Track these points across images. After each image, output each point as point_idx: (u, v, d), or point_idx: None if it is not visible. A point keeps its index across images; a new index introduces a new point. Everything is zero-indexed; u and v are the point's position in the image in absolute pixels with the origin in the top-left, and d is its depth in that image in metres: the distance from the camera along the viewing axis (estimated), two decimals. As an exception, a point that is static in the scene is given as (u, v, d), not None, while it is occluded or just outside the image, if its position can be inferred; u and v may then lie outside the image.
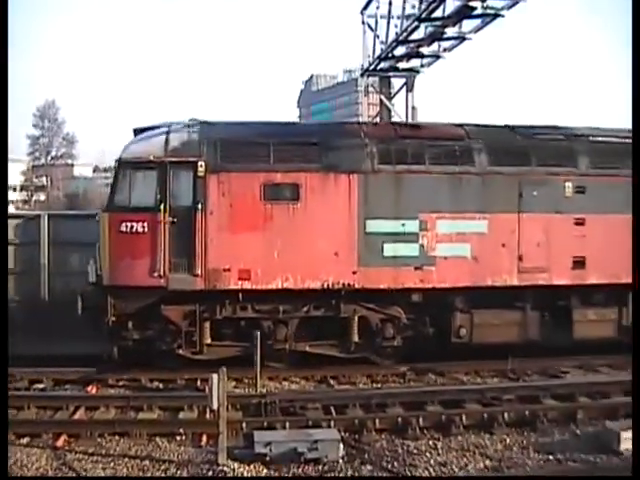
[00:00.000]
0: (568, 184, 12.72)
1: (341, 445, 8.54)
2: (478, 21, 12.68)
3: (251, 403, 10.20)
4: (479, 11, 11.88)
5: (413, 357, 12.63)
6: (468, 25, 13.16)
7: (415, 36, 13.46)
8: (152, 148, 12.11)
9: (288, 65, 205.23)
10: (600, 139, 13.35)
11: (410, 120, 15.09)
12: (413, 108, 15.88)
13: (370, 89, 16.32)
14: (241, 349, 12.43)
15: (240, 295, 12.14)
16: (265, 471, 8.09)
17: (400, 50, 14.58)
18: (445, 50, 14.27)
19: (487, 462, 8.43)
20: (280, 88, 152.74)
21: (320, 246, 12.13)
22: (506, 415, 9.77)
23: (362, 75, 15.80)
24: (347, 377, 12.23)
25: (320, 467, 8.19)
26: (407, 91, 15.40)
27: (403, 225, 12.35)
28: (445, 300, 12.63)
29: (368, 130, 12.82)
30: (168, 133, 12.31)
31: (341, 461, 8.33)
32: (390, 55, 14.65)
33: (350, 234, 12.24)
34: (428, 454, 8.68)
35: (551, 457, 8.58)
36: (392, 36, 13.79)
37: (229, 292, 12.16)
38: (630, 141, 12.88)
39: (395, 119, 15.74)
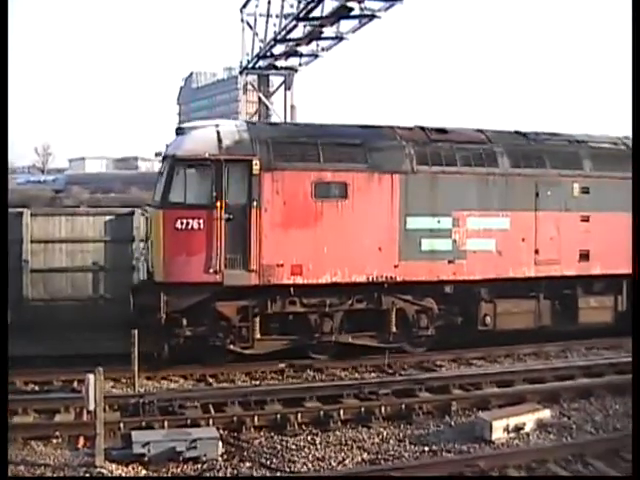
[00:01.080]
0: (575, 185, 14.32)
1: (220, 443, 8.65)
2: (355, 21, 13.13)
3: (129, 403, 10.10)
4: (356, 12, 12.31)
5: (444, 345, 13.79)
6: (346, 25, 13.62)
7: (294, 35, 13.77)
8: (206, 146, 12.35)
9: (168, 62, 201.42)
10: (598, 145, 15.09)
11: (289, 118, 15.69)
12: (292, 106, 16.40)
13: (249, 87, 16.53)
14: (288, 342, 13.06)
15: (292, 290, 12.71)
16: (144, 472, 8.13)
17: (279, 49, 14.92)
18: (323, 49, 14.67)
19: (365, 455, 8.69)
20: (159, 85, 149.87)
21: (365, 241, 12.93)
22: (383, 409, 10.09)
23: (241, 73, 16.15)
24: (226, 375, 12.36)
25: (199, 466, 8.27)
26: (285, 89, 15.86)
27: (438, 222, 13.41)
28: (472, 291, 13.81)
29: (403, 133, 13.76)
30: (219, 132, 12.61)
31: (220, 459, 8.43)
32: (269, 53, 14.98)
33: (392, 230, 13.13)
34: (307, 449, 8.86)
35: (427, 448, 8.92)
36: (271, 35, 14.10)
37: (279, 287, 12.67)
38: (622, 147, 14.82)
39: (273, 117, 16.31)
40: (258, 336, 12.76)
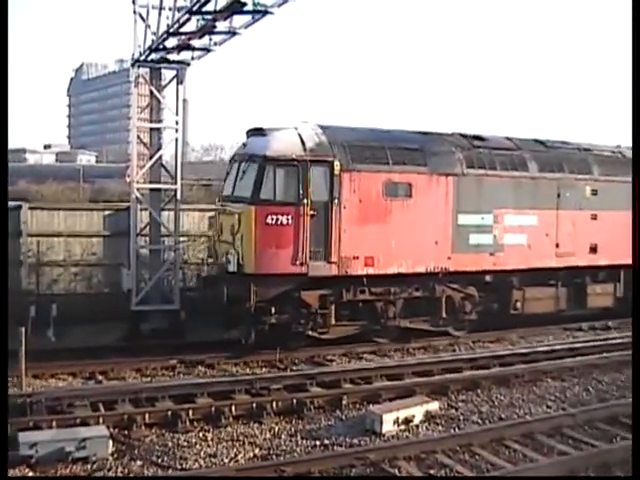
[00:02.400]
0: (587, 187, 16.67)
1: (110, 442, 8.61)
2: (249, 17, 13.04)
3: (16, 403, 9.76)
4: (249, 7, 12.26)
5: (482, 328, 15.70)
6: (239, 20, 13.43)
7: (186, 29, 13.56)
8: (293, 147, 13.53)
9: (56, 51, 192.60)
10: (601, 153, 17.56)
11: (180, 112, 15.97)
12: (184, 100, 16.66)
13: (141, 80, 16.15)
14: (358, 327, 14.50)
15: (364, 280, 14.16)
16: (31, 473, 8.03)
17: (171, 42, 14.57)
18: (216, 44, 14.60)
19: (257, 451, 8.80)
20: (47, 75, 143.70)
21: (425, 236, 14.56)
22: (274, 404, 10.24)
23: (133, 65, 15.75)
24: (116, 372, 12.42)
25: (89, 466, 8.19)
26: (177, 83, 15.67)
27: (482, 219, 15.27)
28: (507, 280, 15.81)
29: (452, 139, 15.54)
30: (300, 135, 13.82)
31: (110, 458, 8.40)
32: (161, 46, 14.65)
33: (446, 226, 14.84)
34: (198, 446, 8.91)
35: (318, 443, 9.09)
36: (163, 27, 13.77)
37: (353, 277, 14.08)
38: (619, 155, 17.40)
39: (166, 111, 16.68)
40: (333, 322, 14.14)
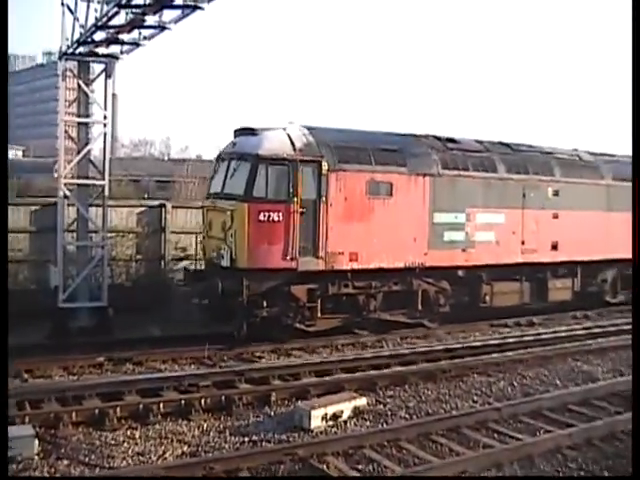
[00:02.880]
0: (549, 188, 17.92)
1: (36, 441, 8.52)
2: (179, 11, 12.95)
3: None
4: (179, 2, 12.25)
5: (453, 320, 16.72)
6: (169, 15, 13.35)
7: (115, 22, 13.43)
8: (284, 147, 14.17)
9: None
10: (561, 156, 18.85)
11: (109, 106, 16.01)
12: (113, 95, 16.61)
13: (68, 74, 15.90)
14: (341, 320, 15.27)
15: (349, 274, 14.93)
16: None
17: (100, 35, 14.41)
18: (145, 38, 14.51)
19: (185, 448, 8.82)
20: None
21: (405, 233, 15.45)
22: (203, 401, 10.27)
23: (60, 59, 15.61)
24: (42, 370, 12.26)
25: (14, 466, 8.05)
26: (106, 77, 15.57)
27: (456, 217, 16.27)
28: (476, 275, 16.88)
29: (427, 141, 16.47)
30: (289, 135, 14.47)
31: (36, 458, 8.31)
32: (89, 40, 14.52)
33: (423, 224, 15.77)
34: (126, 444, 8.87)
35: (247, 439, 9.14)
36: (92, 20, 13.62)
37: (338, 272, 14.82)
38: (576, 158, 18.79)
39: (94, 106, 16.58)
40: (319, 315, 14.86)
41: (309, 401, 10.38)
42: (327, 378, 11.91)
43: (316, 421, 9.59)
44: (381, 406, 10.72)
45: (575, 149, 19.90)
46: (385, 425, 9.84)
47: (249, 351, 13.85)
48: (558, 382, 12.33)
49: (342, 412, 9.93)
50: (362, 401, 10.46)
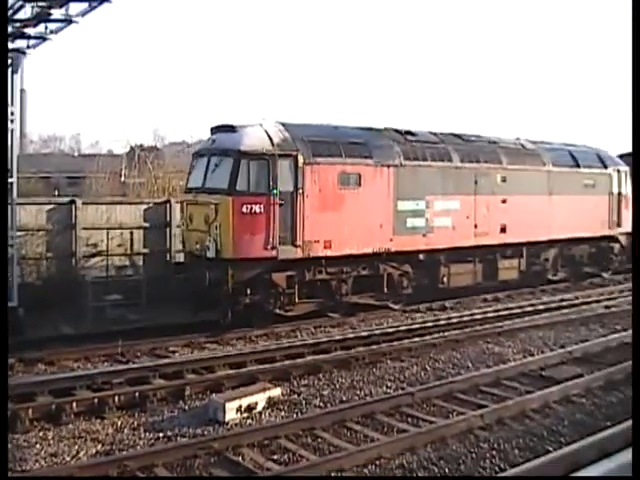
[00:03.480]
0: (498, 175, 19.51)
1: None
2: (85, 4, 12.73)
3: None
4: None
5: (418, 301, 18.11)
6: (76, 8, 13.10)
7: (21, 16, 13.10)
8: (263, 143, 15.08)
9: None
10: (507, 145, 20.50)
11: (17, 102, 15.57)
12: (22, 90, 16.45)
13: None
14: (316, 305, 16.38)
15: (323, 261, 16.03)
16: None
17: None
18: (52, 32, 14.22)
19: (99, 447, 8.77)
20: None
21: (372, 221, 16.65)
22: (116, 398, 10.22)
23: None
24: None
25: None
26: (13, 72, 15.21)
27: (417, 204, 17.62)
28: (435, 258, 18.32)
29: (389, 134, 17.70)
30: (267, 131, 15.39)
31: None
32: None
33: (388, 211, 17.02)
34: (39, 446, 8.80)
35: (161, 435, 9.15)
36: None
37: (313, 259, 15.90)
38: (520, 147, 20.50)
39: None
40: (297, 300, 15.93)
41: (223, 394, 10.47)
42: (241, 370, 12.01)
43: (230, 414, 9.67)
44: (295, 396, 10.83)
45: (518, 138, 21.63)
46: (300, 415, 9.91)
47: (163, 346, 14.03)
48: (470, 365, 12.70)
49: (257, 403, 10.05)
50: (276, 391, 10.58)
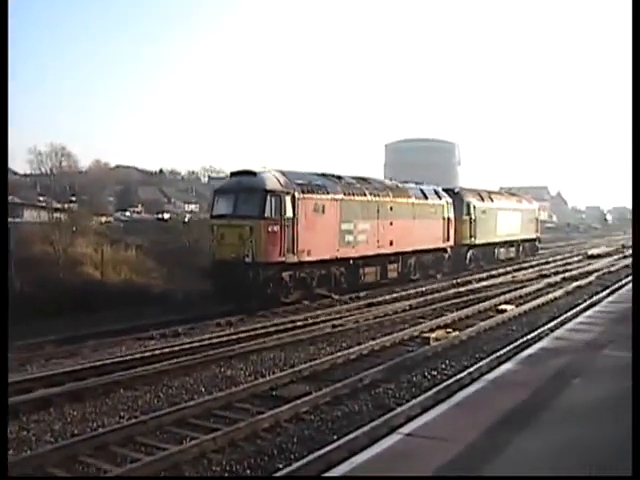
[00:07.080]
0: (388, 205, 29.73)
1: None
2: None
3: None
4: None
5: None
6: None
7: None
8: (276, 184, 23.49)
9: None
10: (391, 185, 30.92)
11: None
12: None
13: None
14: (300, 295, 24.99)
15: (305, 264, 24.71)
16: None
17: None
18: None
19: None
20: None
21: (328, 236, 25.75)
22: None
23: None
24: None
25: None
26: None
27: (350, 226, 27.07)
28: (358, 262, 27.86)
29: (333, 179, 26.99)
30: (275, 176, 23.82)
31: None
32: None
33: (336, 230, 26.24)
34: None
35: None
36: None
37: (302, 263, 24.48)
38: (400, 185, 31.28)
39: None
40: (292, 292, 24.46)
41: None
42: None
43: None
44: (25, 432, 10.69)
45: (392, 178, 32.24)
46: (29, 452, 9.76)
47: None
48: (202, 389, 13.18)
49: None
50: None
